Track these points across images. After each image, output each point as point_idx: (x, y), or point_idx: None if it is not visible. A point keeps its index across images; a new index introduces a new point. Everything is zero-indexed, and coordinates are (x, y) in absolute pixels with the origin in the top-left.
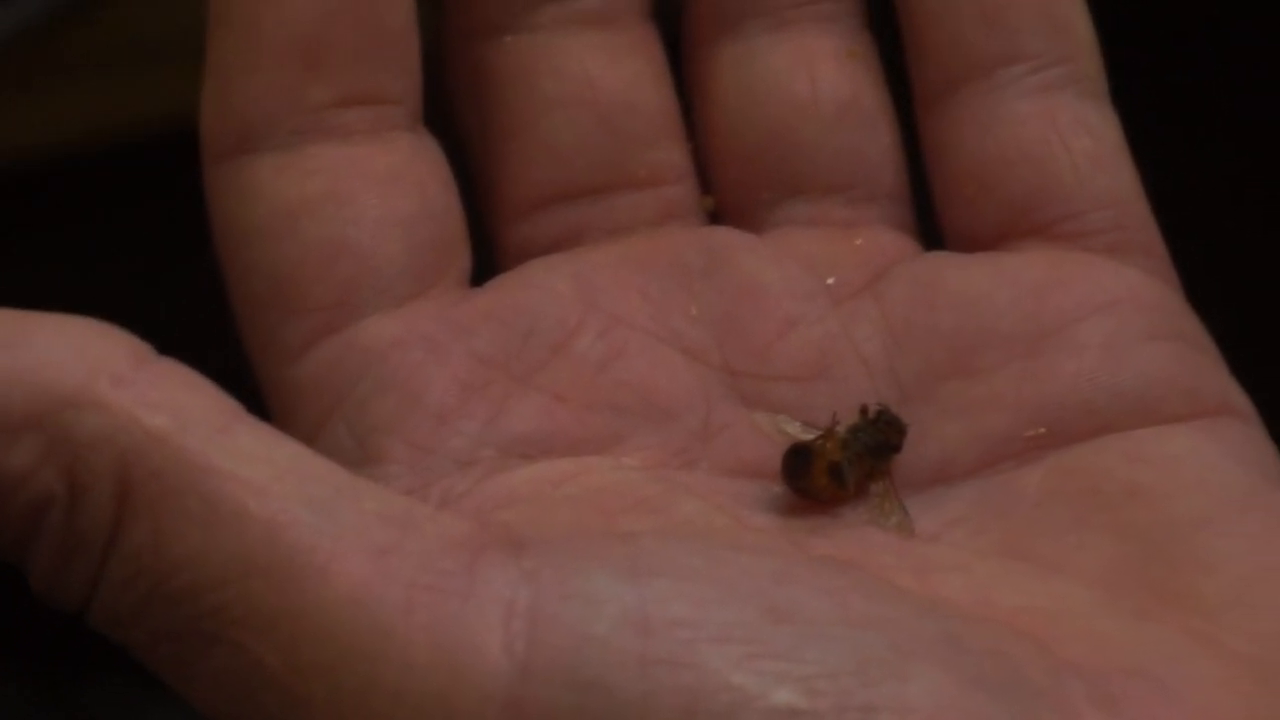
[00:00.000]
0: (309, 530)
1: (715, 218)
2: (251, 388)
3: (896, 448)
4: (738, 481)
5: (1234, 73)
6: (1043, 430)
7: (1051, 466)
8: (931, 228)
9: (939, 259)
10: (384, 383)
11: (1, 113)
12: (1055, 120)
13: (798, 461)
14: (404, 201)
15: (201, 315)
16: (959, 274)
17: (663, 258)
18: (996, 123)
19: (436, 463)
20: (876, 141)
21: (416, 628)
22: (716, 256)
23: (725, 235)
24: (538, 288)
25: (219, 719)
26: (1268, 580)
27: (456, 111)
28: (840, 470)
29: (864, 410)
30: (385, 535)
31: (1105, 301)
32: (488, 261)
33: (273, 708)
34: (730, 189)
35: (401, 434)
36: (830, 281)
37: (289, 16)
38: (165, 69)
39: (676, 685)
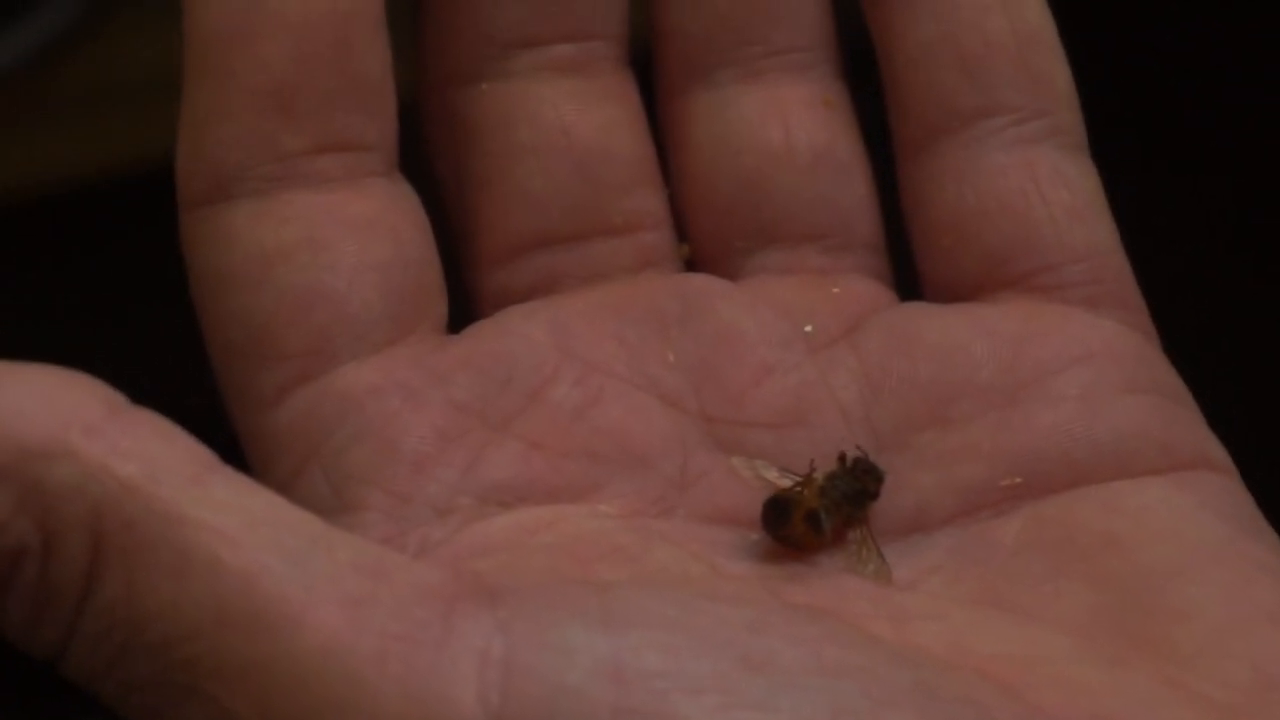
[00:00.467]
0: (282, 580)
1: (691, 265)
2: (230, 432)
3: (874, 495)
4: (714, 529)
5: (1218, 118)
6: (1019, 480)
7: (1028, 516)
8: (909, 277)
9: (915, 309)
10: (361, 431)
11: None
12: (1034, 172)
13: (777, 511)
14: (380, 248)
15: (183, 356)
16: (936, 324)
17: (639, 304)
18: (975, 174)
19: (414, 511)
20: (851, 191)
21: (389, 678)
22: (692, 304)
23: (701, 282)
24: (514, 335)
25: None
26: (1241, 629)
27: (432, 159)
28: (818, 518)
29: (842, 458)
30: (358, 585)
31: (1082, 354)
32: (465, 309)
33: None
34: (705, 237)
35: (379, 482)
36: (808, 329)
37: (263, 63)
38: (148, 109)
39: None
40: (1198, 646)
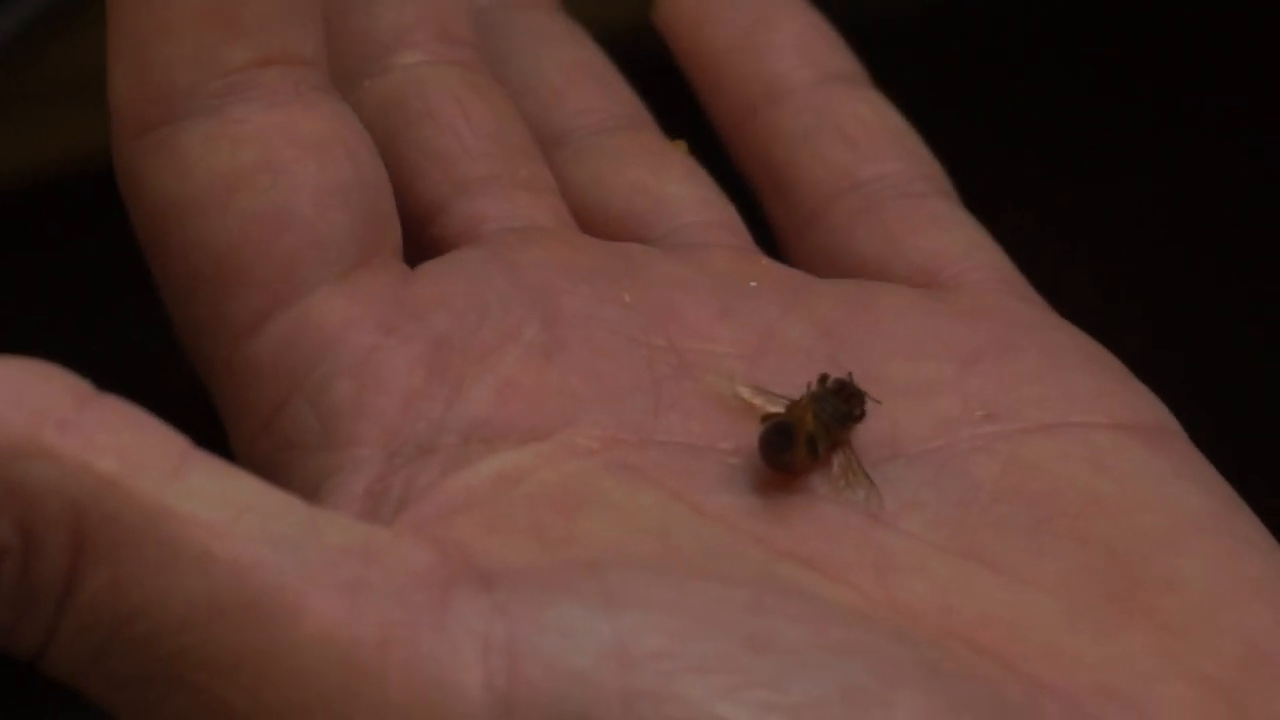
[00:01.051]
0: (275, 569)
1: None
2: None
3: (859, 416)
4: (694, 456)
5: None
6: (993, 411)
7: (1009, 460)
8: None
9: (866, 282)
10: (344, 364)
11: None
12: (933, 211)
13: (781, 436)
14: (339, 170)
15: (146, 347)
16: (890, 292)
17: (584, 262)
18: (880, 211)
19: (402, 447)
20: (728, 208)
21: (393, 665)
22: (635, 261)
23: (637, 247)
24: (478, 279)
25: None
26: (1230, 602)
27: None
28: (814, 442)
29: (823, 379)
30: (351, 570)
31: (1034, 323)
32: None
33: None
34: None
35: (369, 416)
36: (753, 285)
37: None
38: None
39: (661, 718)
40: (1188, 618)
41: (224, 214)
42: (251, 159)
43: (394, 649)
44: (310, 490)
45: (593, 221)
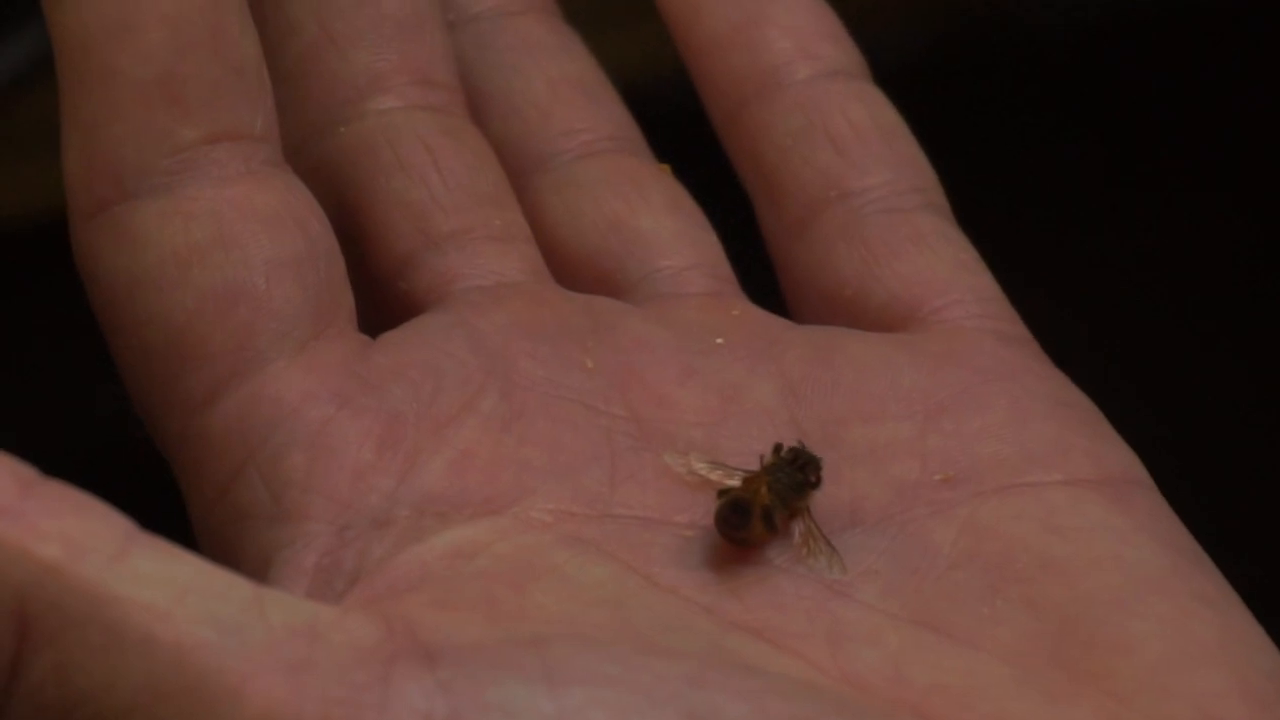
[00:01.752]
0: (218, 652)
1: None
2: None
3: (815, 484)
4: (649, 529)
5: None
6: (952, 474)
7: (965, 523)
8: None
9: (834, 330)
10: (298, 437)
11: None
12: (918, 230)
13: (736, 512)
14: (291, 243)
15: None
16: (855, 340)
17: (548, 321)
18: (864, 229)
19: (354, 520)
20: (709, 237)
21: None
22: (601, 319)
23: (605, 302)
24: (438, 349)
25: None
26: (1181, 665)
27: None
28: (771, 515)
29: (777, 449)
30: (295, 649)
31: (1004, 371)
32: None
33: None
34: (586, 282)
35: (320, 489)
36: (719, 341)
37: (146, 56)
38: None
39: None
40: (1138, 683)
41: (177, 290)
42: (204, 235)
43: None
44: (262, 562)
45: (567, 258)
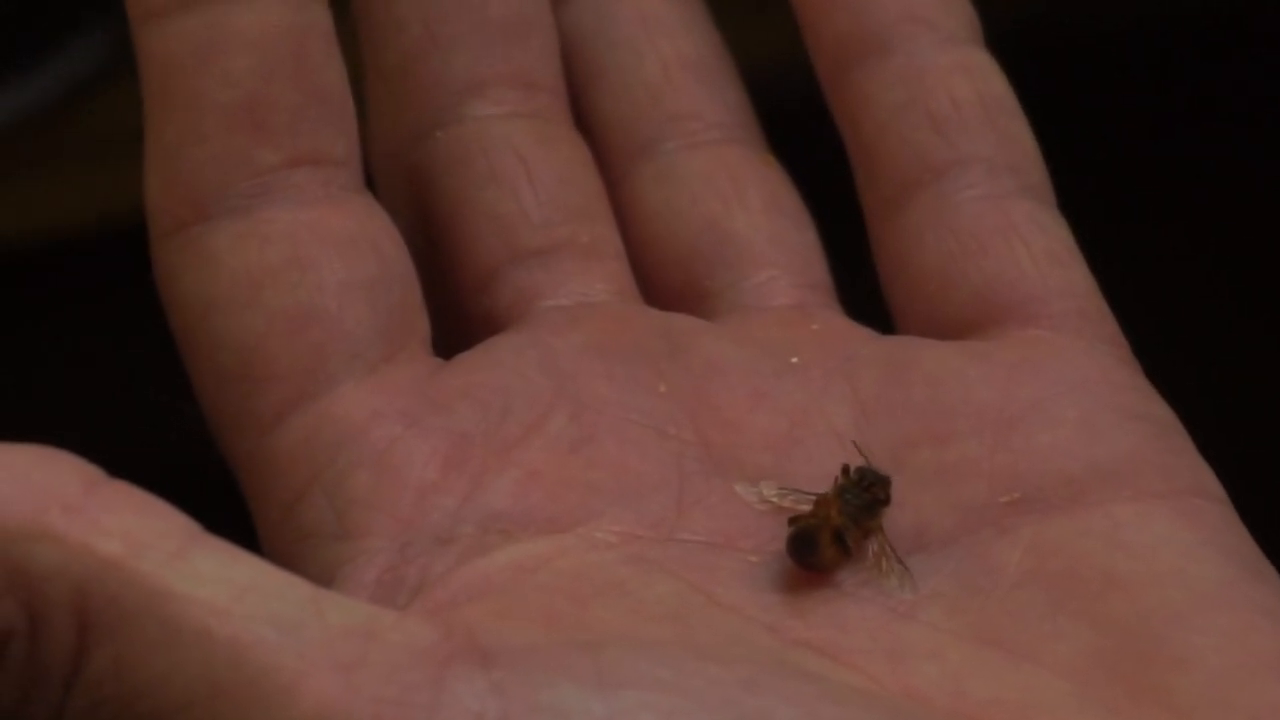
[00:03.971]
0: (273, 649)
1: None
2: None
3: (885, 501)
4: (713, 554)
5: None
6: (1018, 496)
7: (1030, 544)
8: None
9: (909, 341)
10: (363, 456)
11: None
12: (1010, 218)
13: (805, 542)
14: (365, 265)
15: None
16: (930, 353)
17: (625, 343)
18: (954, 219)
19: (416, 537)
20: (804, 235)
21: None
22: (677, 340)
23: (683, 320)
24: (508, 369)
25: None
26: (1241, 679)
27: (391, 214)
28: (843, 539)
29: (845, 470)
30: (350, 649)
31: (1078, 381)
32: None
33: None
34: (673, 285)
35: (383, 508)
36: (794, 361)
37: (230, 80)
38: None
39: None
40: (1197, 697)
41: (250, 311)
42: (279, 257)
43: None
44: (325, 581)
45: (659, 257)
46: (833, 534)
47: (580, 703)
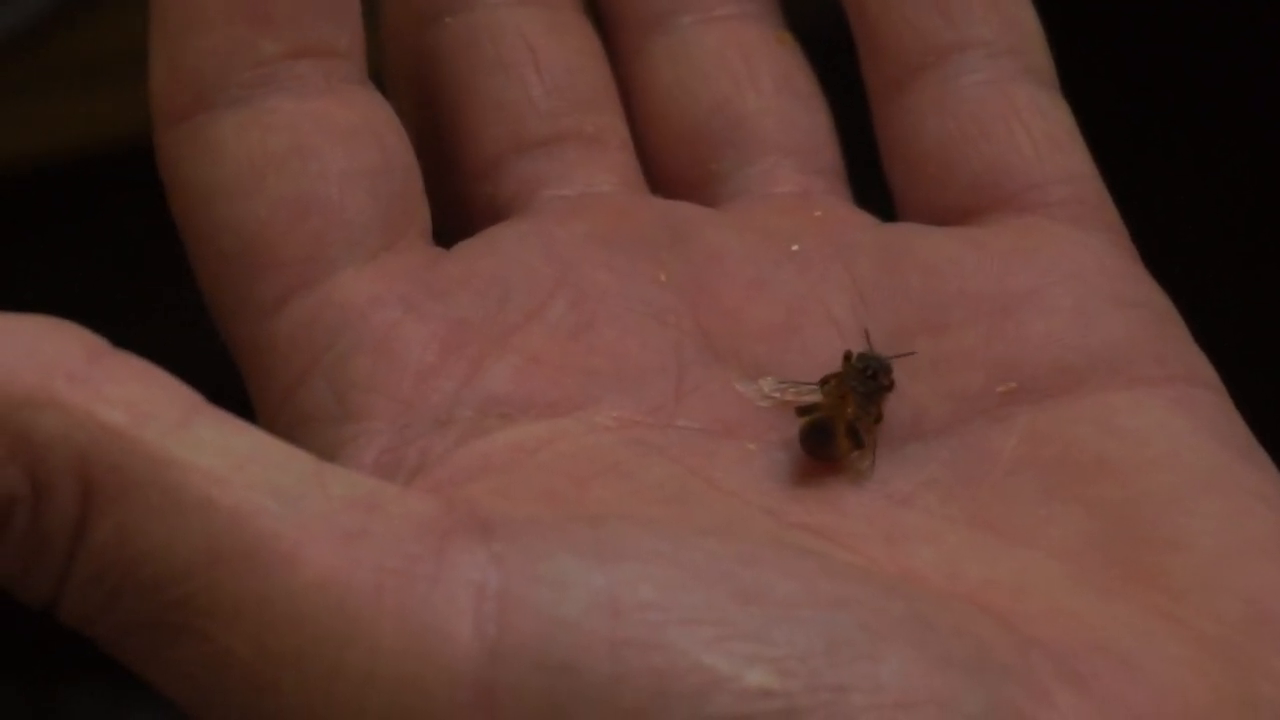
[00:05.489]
0: (274, 518)
1: (669, 196)
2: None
3: (889, 386)
4: (712, 440)
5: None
6: (1014, 385)
7: (1025, 430)
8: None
9: (907, 228)
10: (363, 340)
11: None
12: (1011, 102)
13: (820, 433)
14: (367, 155)
15: (163, 323)
16: (927, 241)
17: (627, 232)
18: (955, 104)
19: (416, 420)
20: (815, 117)
21: (385, 613)
22: (679, 230)
23: (685, 209)
24: (508, 257)
25: (189, 707)
26: (1234, 561)
27: (399, 102)
28: (856, 431)
29: (847, 357)
30: (351, 520)
31: (1074, 268)
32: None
33: (241, 695)
34: (681, 165)
35: (382, 390)
36: (795, 249)
37: None
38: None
39: (647, 667)
40: (1191, 578)
41: (253, 198)
42: (281, 145)
43: (388, 596)
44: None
45: (669, 134)
46: (847, 425)
47: (580, 574)
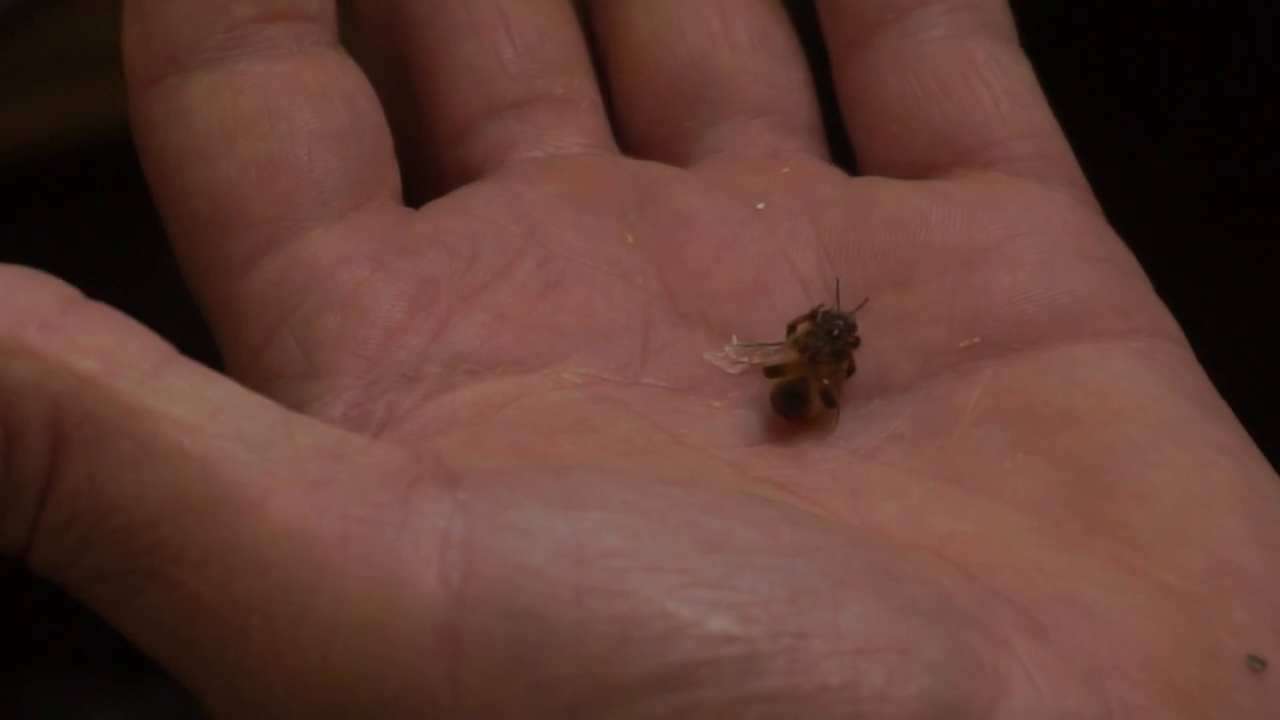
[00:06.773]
0: (243, 466)
1: (641, 155)
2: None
3: (855, 343)
4: (678, 398)
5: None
6: (977, 340)
7: (989, 384)
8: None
9: (872, 182)
10: (331, 298)
11: None
12: (971, 58)
13: (794, 397)
14: (337, 117)
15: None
16: (892, 195)
17: (596, 193)
18: (916, 61)
19: (383, 376)
20: (791, 74)
21: (351, 560)
22: (648, 190)
23: (655, 169)
24: (478, 216)
25: (158, 656)
26: (1198, 514)
27: (371, 64)
28: (830, 394)
29: (811, 315)
30: (319, 468)
31: (1037, 222)
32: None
33: (210, 641)
34: (653, 122)
35: (350, 347)
36: (761, 207)
37: None
38: (110, 79)
39: (611, 614)
40: (1154, 531)
41: (223, 159)
42: (251, 107)
43: (353, 544)
44: None
45: (643, 89)
46: (820, 389)
47: (546, 522)
